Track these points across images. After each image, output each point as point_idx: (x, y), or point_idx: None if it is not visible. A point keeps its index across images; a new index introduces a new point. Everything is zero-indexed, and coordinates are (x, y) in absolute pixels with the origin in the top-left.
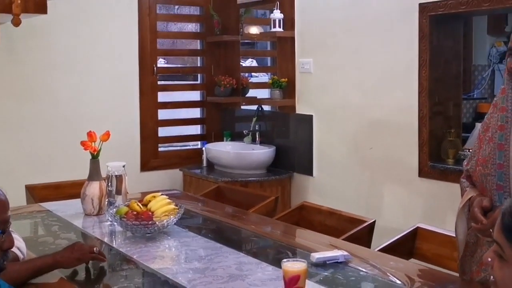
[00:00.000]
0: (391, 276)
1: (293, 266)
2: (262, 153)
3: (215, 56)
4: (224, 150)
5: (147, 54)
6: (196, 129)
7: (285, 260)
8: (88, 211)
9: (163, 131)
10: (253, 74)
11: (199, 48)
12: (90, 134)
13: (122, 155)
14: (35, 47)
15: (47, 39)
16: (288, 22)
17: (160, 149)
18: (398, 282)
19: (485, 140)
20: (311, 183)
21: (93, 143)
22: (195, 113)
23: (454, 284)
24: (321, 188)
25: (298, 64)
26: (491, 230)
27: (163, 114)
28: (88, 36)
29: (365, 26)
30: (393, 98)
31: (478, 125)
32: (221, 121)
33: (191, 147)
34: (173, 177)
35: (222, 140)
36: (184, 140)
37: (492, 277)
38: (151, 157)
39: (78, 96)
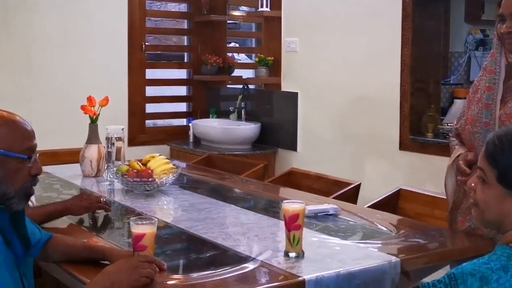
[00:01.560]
0: (378, 225)
1: (292, 205)
2: (248, 128)
3: (202, 36)
4: (211, 126)
5: (136, 31)
6: (182, 107)
7: (285, 201)
8: (86, 172)
9: (150, 108)
10: (235, 57)
11: (186, 27)
12: (90, 99)
13: None
14: (29, 23)
15: (40, 15)
16: (275, 2)
17: (147, 125)
18: (385, 229)
19: (474, 101)
20: (295, 158)
21: (92, 107)
22: (182, 90)
23: (437, 231)
24: (305, 162)
25: (285, 43)
26: None
27: (150, 91)
28: (80, 12)
29: (350, 6)
30: (376, 75)
31: (457, 101)
32: (207, 99)
33: (175, 124)
34: (160, 152)
35: (208, 117)
36: (171, 117)
37: (472, 200)
38: (139, 133)
39: (71, 70)
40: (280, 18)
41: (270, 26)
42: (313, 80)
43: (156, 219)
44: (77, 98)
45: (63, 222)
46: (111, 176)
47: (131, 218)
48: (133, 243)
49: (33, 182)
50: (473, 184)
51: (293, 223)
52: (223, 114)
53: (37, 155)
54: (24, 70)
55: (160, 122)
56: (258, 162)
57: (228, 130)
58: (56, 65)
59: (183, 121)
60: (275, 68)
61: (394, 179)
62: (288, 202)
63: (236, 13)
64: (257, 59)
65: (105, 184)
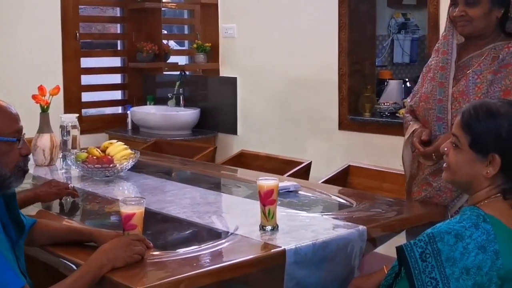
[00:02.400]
0: (338, 198)
1: (267, 182)
2: (188, 114)
3: (136, 23)
4: (150, 112)
5: (69, 19)
6: (117, 94)
7: (260, 178)
8: (39, 161)
9: (85, 96)
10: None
11: (119, 15)
12: (41, 88)
13: None
14: None
15: None
16: None
17: (83, 114)
18: (346, 202)
19: (427, 80)
20: (236, 141)
21: (43, 96)
22: (116, 78)
23: (393, 202)
24: (246, 145)
25: (222, 29)
26: (433, 155)
27: (84, 80)
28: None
29: None
30: (315, 58)
31: (391, 82)
32: (142, 86)
33: (108, 112)
34: (98, 140)
35: (145, 104)
36: (108, 105)
37: (445, 164)
38: None
39: (2, 60)
40: (216, 4)
41: (207, 13)
42: (252, 65)
43: (144, 199)
44: (12, 88)
45: (31, 209)
46: (69, 164)
47: (120, 199)
48: (123, 222)
49: (25, 161)
50: (446, 149)
51: (268, 198)
52: (160, 100)
53: (24, 136)
54: None
55: (92, 111)
56: (206, 146)
57: (167, 116)
58: None
59: (118, 109)
60: (213, 54)
61: (335, 157)
62: (263, 179)
63: None
64: (195, 45)
65: (60, 172)
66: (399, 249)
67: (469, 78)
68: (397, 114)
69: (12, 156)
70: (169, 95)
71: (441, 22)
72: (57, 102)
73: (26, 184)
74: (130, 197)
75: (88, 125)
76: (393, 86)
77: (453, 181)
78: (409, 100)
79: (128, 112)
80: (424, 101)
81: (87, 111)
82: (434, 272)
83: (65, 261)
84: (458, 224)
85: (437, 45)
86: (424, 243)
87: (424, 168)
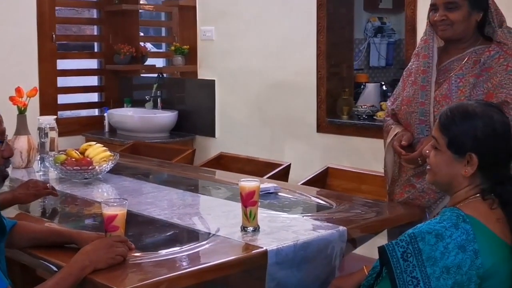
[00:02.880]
0: (317, 200)
1: (249, 183)
2: (165, 116)
3: (113, 25)
4: (128, 115)
5: (45, 21)
6: (94, 97)
7: (242, 179)
8: (16, 164)
9: (61, 99)
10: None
11: (96, 17)
12: (18, 90)
13: None
14: None
15: None
16: None
17: (59, 116)
18: (325, 203)
19: (408, 83)
20: (214, 144)
21: (21, 98)
22: (93, 81)
23: (372, 203)
24: (224, 147)
25: (200, 32)
26: (419, 159)
27: (60, 82)
28: None
29: None
30: (293, 61)
31: (369, 85)
32: (119, 88)
33: (84, 114)
34: (75, 142)
35: (122, 107)
36: (84, 107)
37: (428, 166)
38: None
39: None
40: (195, 7)
41: (185, 15)
42: (230, 68)
43: (126, 201)
44: None
45: (10, 211)
46: (47, 166)
47: (102, 201)
48: (105, 224)
49: (7, 164)
50: (427, 151)
51: (249, 200)
52: (138, 103)
53: (7, 138)
54: None
55: (68, 113)
56: (185, 148)
57: (145, 118)
58: None
59: (94, 111)
60: (191, 56)
61: (313, 159)
62: (244, 181)
63: (149, 2)
64: (173, 47)
65: (38, 174)
66: (381, 249)
67: (451, 82)
68: (375, 117)
69: None
70: (147, 97)
71: (418, 26)
72: (33, 104)
73: (4, 186)
74: (112, 198)
75: (64, 128)
76: (370, 89)
77: (435, 182)
78: (389, 104)
79: (105, 114)
80: (406, 104)
81: (63, 113)
82: (416, 271)
83: (46, 263)
84: (438, 224)
85: (416, 49)
86: (405, 243)
87: (407, 170)
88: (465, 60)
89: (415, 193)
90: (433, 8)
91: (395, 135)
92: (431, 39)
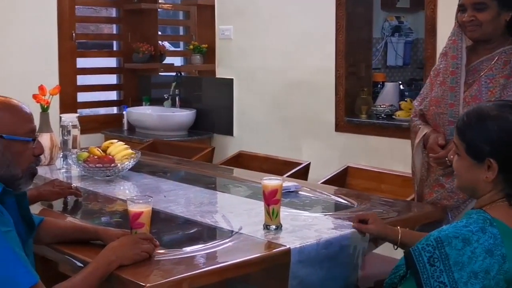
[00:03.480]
0: (339, 199)
1: (271, 182)
2: (184, 115)
3: (132, 24)
4: (146, 113)
5: (65, 20)
6: (112, 95)
7: (264, 178)
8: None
9: (80, 97)
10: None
11: (114, 15)
12: (41, 88)
13: None
14: None
15: None
16: None
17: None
18: (346, 202)
19: (436, 84)
20: (232, 142)
21: (44, 96)
22: (112, 79)
23: (393, 203)
24: (241, 146)
25: (218, 31)
26: (446, 159)
27: (80, 80)
28: (7, 0)
29: None
30: (311, 60)
31: (387, 84)
32: (138, 87)
33: (102, 113)
34: (94, 140)
35: (141, 105)
36: (103, 105)
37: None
38: None
39: None
40: (213, 6)
41: (203, 14)
42: (248, 66)
43: (151, 198)
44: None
45: (34, 207)
46: (70, 163)
47: (128, 198)
48: (130, 221)
49: (37, 162)
50: (451, 157)
51: (272, 198)
52: (156, 101)
53: (38, 135)
54: None
55: (87, 111)
56: (204, 147)
57: (164, 116)
58: None
59: (113, 110)
60: (209, 55)
61: (332, 158)
62: (267, 179)
63: (167, 1)
64: (191, 46)
65: (60, 171)
66: (407, 254)
67: (481, 83)
68: (394, 116)
69: (26, 156)
70: (165, 96)
71: (438, 25)
72: (54, 102)
73: None
74: (137, 195)
75: (84, 125)
76: (389, 89)
77: (460, 187)
78: (416, 104)
79: (124, 112)
80: (434, 105)
81: (82, 111)
82: (443, 277)
83: (71, 258)
84: (465, 229)
85: (444, 49)
86: (432, 247)
87: (436, 170)
88: (494, 61)
89: (444, 193)
90: (461, 8)
91: (424, 135)
92: (459, 39)
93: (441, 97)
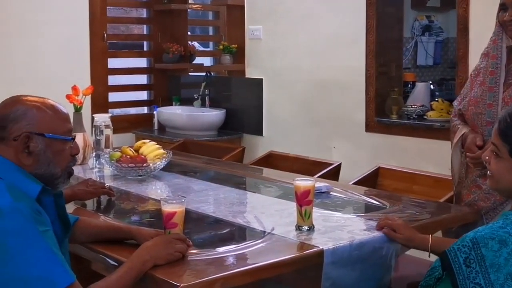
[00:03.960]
0: (371, 200)
1: (304, 182)
2: (214, 115)
3: (162, 24)
4: (176, 113)
5: (97, 20)
6: (143, 95)
7: (296, 178)
8: None
9: (111, 96)
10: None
11: (145, 16)
12: (74, 88)
13: None
14: None
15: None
16: None
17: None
18: (378, 203)
19: (476, 84)
20: (261, 142)
21: (77, 96)
22: (142, 79)
23: (425, 204)
24: (271, 146)
25: (248, 31)
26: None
27: (110, 80)
28: (39, 1)
29: None
30: (341, 60)
31: (418, 84)
32: (168, 87)
33: (134, 112)
34: (125, 140)
35: (171, 105)
36: (134, 105)
37: (488, 171)
38: None
39: (31, 60)
40: (243, 6)
41: (233, 14)
42: (278, 66)
43: (185, 198)
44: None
45: (68, 207)
46: (103, 162)
47: (162, 198)
48: (164, 221)
49: (74, 161)
50: (487, 157)
51: (304, 199)
52: (186, 101)
53: (75, 136)
54: None
55: (117, 111)
56: (234, 147)
57: (193, 116)
58: (18, 55)
59: (143, 109)
60: (238, 55)
61: (362, 159)
62: (299, 180)
63: (197, 1)
64: (221, 46)
65: (93, 171)
66: (443, 255)
67: None
68: (425, 116)
69: (65, 155)
70: (195, 95)
71: (470, 24)
72: (85, 102)
73: None
74: (170, 195)
75: (114, 125)
76: (420, 89)
77: (497, 189)
78: (456, 104)
79: (155, 112)
80: (473, 105)
81: (113, 111)
82: (479, 278)
83: (105, 257)
84: (501, 230)
85: (485, 49)
86: (468, 248)
87: (474, 171)
88: None
89: (481, 194)
90: (502, 7)
91: (462, 135)
92: (500, 39)
93: (480, 97)
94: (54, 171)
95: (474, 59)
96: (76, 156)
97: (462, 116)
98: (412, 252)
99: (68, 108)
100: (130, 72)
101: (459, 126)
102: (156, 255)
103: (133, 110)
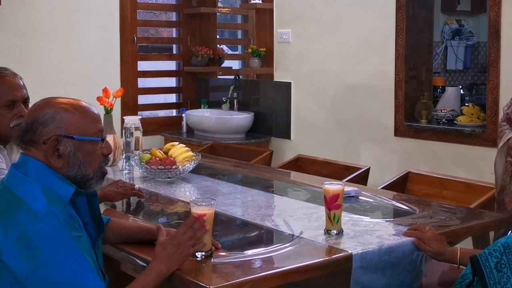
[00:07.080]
0: (400, 205)
1: (333, 187)
2: (242, 118)
3: (191, 28)
4: (205, 116)
5: (127, 24)
6: (172, 98)
7: (325, 182)
8: None
9: (140, 99)
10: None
11: (175, 19)
12: (105, 90)
13: None
14: (20, 16)
15: (35, 8)
16: None
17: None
18: (408, 208)
19: None
20: (289, 146)
21: (107, 99)
22: (171, 82)
23: (455, 209)
24: (299, 149)
25: (277, 34)
26: None
27: (140, 83)
28: (74, 5)
29: None
30: (371, 64)
31: (448, 89)
32: (197, 90)
33: (163, 115)
34: (154, 142)
35: (200, 108)
36: (163, 108)
37: None
38: None
39: (63, 64)
40: (271, 10)
41: (262, 18)
42: (307, 70)
43: (214, 200)
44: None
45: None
46: (133, 164)
47: (191, 200)
48: None
49: (106, 161)
50: None
51: (333, 203)
52: (214, 104)
53: (106, 136)
54: (19, 62)
55: (146, 113)
56: (263, 150)
57: (222, 119)
58: (50, 58)
59: (172, 112)
60: (267, 59)
61: (390, 163)
62: (328, 184)
63: (226, 5)
64: (250, 50)
65: (123, 173)
66: (474, 260)
67: None
68: (455, 121)
69: (96, 156)
70: (223, 99)
71: (502, 29)
72: (115, 104)
73: None
74: (199, 198)
75: (144, 127)
76: (450, 93)
77: None
78: (505, 108)
79: (183, 115)
80: None
81: (142, 113)
82: (510, 283)
83: (134, 258)
84: None
85: None
86: (499, 253)
87: None
88: None
89: None
90: None
91: (508, 140)
92: None
93: None
94: (86, 172)
95: (505, 64)
96: (109, 155)
97: (510, 121)
98: None
99: (98, 111)
100: (159, 75)
101: (506, 130)
102: (170, 264)
103: (162, 113)
